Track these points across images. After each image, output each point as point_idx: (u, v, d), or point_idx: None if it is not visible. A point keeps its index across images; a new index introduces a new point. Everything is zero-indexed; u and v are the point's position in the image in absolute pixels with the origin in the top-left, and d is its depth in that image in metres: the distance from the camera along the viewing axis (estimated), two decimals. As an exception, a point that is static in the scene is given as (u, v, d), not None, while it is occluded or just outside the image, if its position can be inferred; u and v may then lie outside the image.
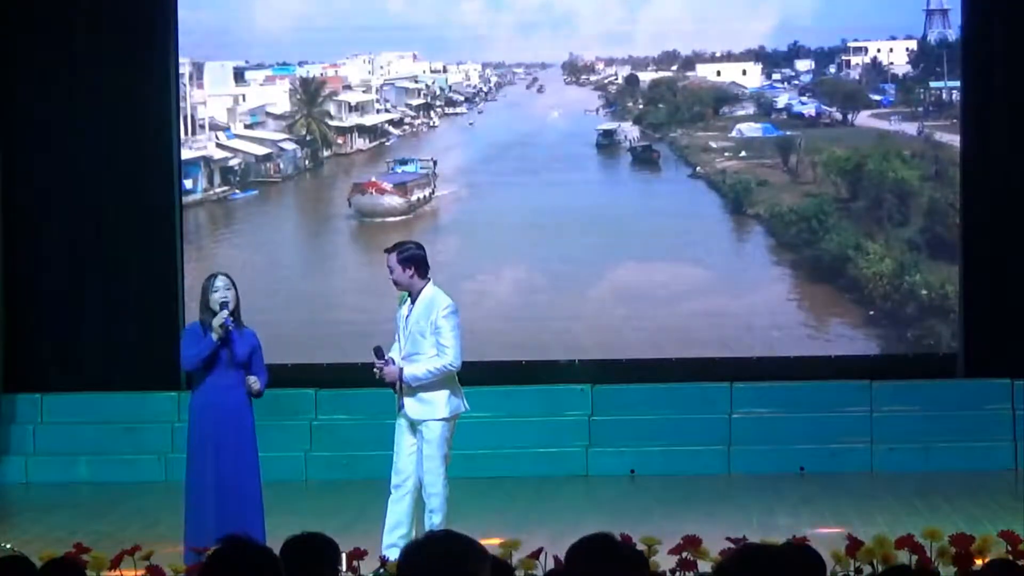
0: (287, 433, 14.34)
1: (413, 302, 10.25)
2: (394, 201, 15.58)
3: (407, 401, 10.28)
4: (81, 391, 14.80)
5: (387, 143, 15.95)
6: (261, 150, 15.78)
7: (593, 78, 15.88)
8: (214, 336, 10.26)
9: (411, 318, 10.23)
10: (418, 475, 10.23)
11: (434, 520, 10.12)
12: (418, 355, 10.19)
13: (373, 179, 15.65)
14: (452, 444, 10.33)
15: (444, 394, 10.23)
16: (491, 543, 9.03)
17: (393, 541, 10.15)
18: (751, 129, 15.67)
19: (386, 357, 10.30)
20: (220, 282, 10.38)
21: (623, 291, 15.17)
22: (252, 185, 15.67)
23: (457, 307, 10.26)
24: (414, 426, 10.29)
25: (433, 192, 15.60)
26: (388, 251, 10.36)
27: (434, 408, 10.23)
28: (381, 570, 9.38)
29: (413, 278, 10.24)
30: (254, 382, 10.31)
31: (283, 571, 5.29)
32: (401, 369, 10.20)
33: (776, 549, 6.07)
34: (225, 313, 10.23)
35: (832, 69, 15.75)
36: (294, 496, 13.12)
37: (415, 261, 10.24)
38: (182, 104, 15.27)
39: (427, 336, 10.16)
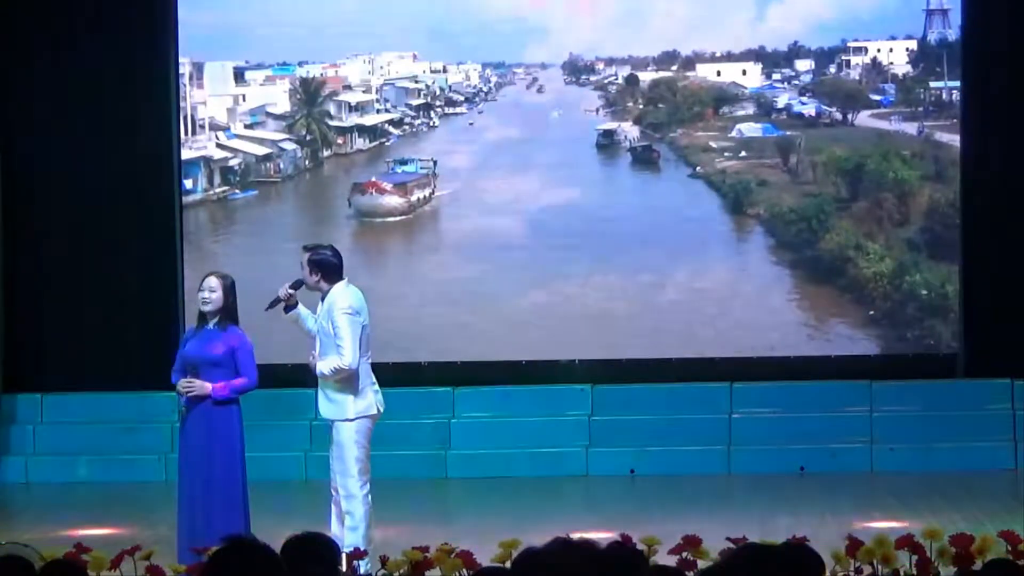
0: (287, 433, 14.32)
1: (323, 301, 10.29)
2: (394, 201, 15.57)
3: (320, 401, 10.34)
4: (81, 391, 14.79)
5: (387, 143, 15.94)
6: (261, 150, 15.77)
7: (593, 78, 15.87)
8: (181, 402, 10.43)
9: (320, 318, 10.28)
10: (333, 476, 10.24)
11: (347, 523, 10.09)
12: (326, 355, 10.22)
13: (373, 179, 15.64)
14: (369, 446, 10.24)
15: (351, 395, 10.20)
16: (491, 543, 9.03)
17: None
18: (751, 129, 15.66)
19: (292, 292, 10.32)
20: (204, 284, 10.40)
21: (623, 291, 15.16)
22: (252, 185, 15.66)
23: (357, 308, 10.20)
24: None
25: (433, 192, 15.59)
26: (306, 248, 10.42)
27: (342, 408, 10.22)
28: (381, 569, 9.37)
29: (319, 283, 10.27)
30: (185, 383, 10.32)
31: (284, 571, 5.29)
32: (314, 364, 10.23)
33: (776, 549, 6.07)
34: (183, 390, 10.28)
35: (832, 69, 15.74)
36: (294, 496, 13.11)
37: (323, 267, 10.26)
38: (182, 104, 15.26)
39: (331, 335, 10.18)
